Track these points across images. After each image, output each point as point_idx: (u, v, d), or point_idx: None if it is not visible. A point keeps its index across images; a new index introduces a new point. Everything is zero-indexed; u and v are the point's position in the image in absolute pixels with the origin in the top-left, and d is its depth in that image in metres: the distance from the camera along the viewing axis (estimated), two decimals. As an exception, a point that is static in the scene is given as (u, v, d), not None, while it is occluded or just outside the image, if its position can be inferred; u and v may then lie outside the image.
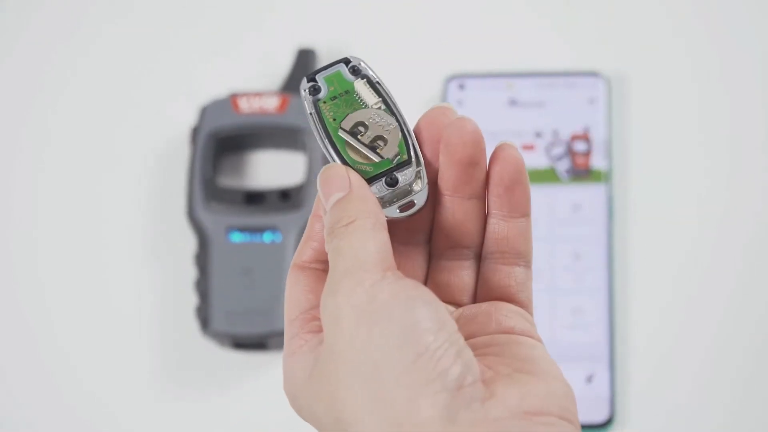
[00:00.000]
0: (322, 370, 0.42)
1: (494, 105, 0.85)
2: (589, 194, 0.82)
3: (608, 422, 0.78)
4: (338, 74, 0.47)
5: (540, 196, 0.82)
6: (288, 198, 0.83)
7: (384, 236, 0.43)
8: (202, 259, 0.82)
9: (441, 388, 0.39)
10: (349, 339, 0.41)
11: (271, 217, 0.82)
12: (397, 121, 0.46)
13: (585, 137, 0.83)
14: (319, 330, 0.44)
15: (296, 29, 0.89)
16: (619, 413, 0.79)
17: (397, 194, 0.46)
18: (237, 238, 0.82)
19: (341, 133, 0.46)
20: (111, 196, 0.87)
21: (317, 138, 0.46)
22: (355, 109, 0.46)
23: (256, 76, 0.88)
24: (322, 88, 0.47)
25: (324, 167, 0.45)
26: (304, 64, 0.86)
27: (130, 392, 0.82)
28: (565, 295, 0.80)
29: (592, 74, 0.85)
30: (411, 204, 0.46)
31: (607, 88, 0.84)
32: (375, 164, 0.46)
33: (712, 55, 0.86)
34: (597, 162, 0.83)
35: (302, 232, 0.81)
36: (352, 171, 0.45)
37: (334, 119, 0.46)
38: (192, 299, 0.82)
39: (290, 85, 0.86)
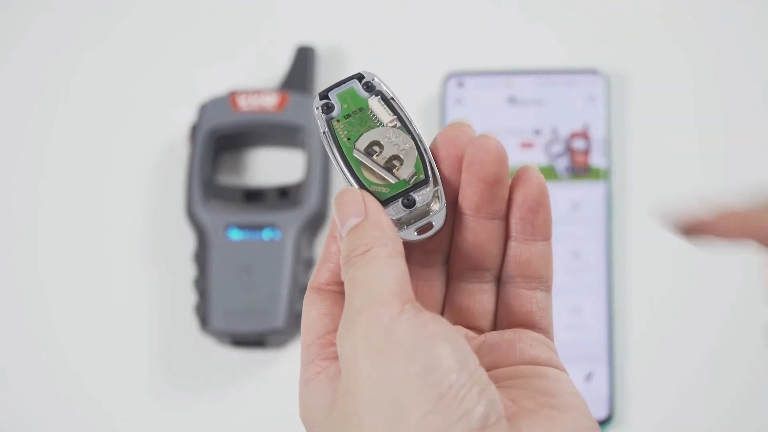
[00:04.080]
0: (342, 407, 0.41)
1: (493, 103, 0.85)
2: (588, 192, 0.82)
3: (607, 420, 0.78)
4: (351, 91, 0.46)
5: (539, 194, 0.82)
6: (287, 195, 0.82)
7: (401, 265, 0.41)
8: (201, 256, 0.82)
9: (465, 428, 0.38)
10: (367, 376, 0.39)
11: (270, 215, 0.82)
12: (414, 139, 0.45)
13: (584, 135, 0.83)
14: (336, 356, 0.43)
15: (295, 27, 0.89)
16: (618, 411, 0.79)
17: (414, 215, 0.44)
18: (236, 235, 0.82)
19: (356, 154, 0.45)
20: (110, 194, 0.87)
21: (331, 158, 0.45)
22: (370, 128, 0.45)
23: (255, 74, 0.88)
24: (336, 105, 0.45)
25: (339, 191, 0.44)
26: (303, 61, 0.86)
27: (129, 390, 0.82)
28: (564, 294, 0.80)
29: (591, 72, 0.85)
30: (429, 226, 0.44)
31: (606, 86, 0.84)
32: (391, 185, 0.44)
33: (711, 53, 0.86)
34: (596, 160, 0.83)
35: (301, 230, 0.82)
36: (368, 195, 0.43)
37: (348, 138, 0.45)
38: (191, 297, 0.82)
39: (289, 83, 0.86)
